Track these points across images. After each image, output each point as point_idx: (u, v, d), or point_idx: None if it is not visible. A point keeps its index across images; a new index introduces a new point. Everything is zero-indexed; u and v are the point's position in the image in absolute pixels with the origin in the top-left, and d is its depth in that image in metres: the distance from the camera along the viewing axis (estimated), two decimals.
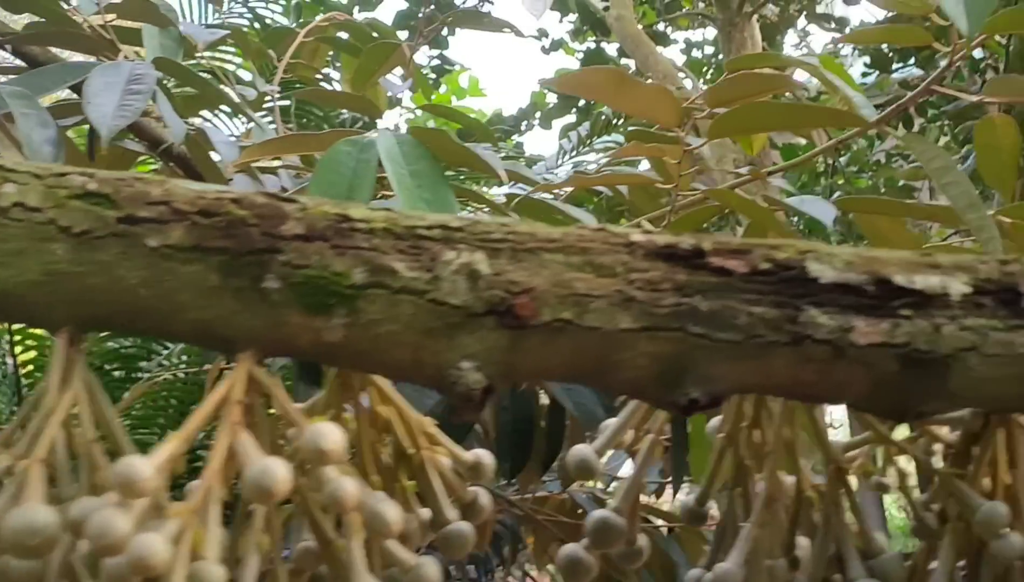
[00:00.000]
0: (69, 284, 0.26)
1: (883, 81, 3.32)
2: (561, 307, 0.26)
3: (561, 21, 3.71)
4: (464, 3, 2.88)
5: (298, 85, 1.28)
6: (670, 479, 0.85)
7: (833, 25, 3.59)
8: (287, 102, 1.46)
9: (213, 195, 0.26)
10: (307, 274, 0.26)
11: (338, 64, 1.43)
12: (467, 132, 1.24)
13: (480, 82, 4.47)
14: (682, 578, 0.50)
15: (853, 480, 0.33)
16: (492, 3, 2.86)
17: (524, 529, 1.19)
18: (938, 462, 0.32)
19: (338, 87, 1.39)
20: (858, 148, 3.33)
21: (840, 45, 3.93)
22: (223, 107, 1.37)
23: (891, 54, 3.37)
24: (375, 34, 1.17)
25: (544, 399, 0.86)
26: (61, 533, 0.23)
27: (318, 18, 1.22)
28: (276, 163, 0.87)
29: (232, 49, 1.33)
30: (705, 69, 3.77)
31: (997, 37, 2.23)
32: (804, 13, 3.50)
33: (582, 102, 3.15)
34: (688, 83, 3.11)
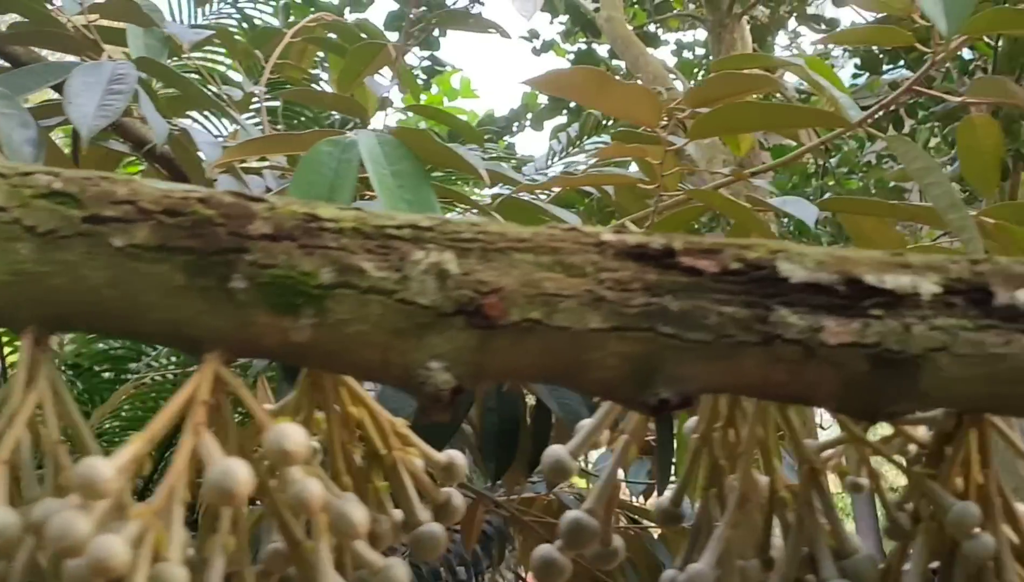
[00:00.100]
0: (34, 284, 0.26)
1: (873, 83, 3.33)
2: (530, 307, 0.26)
3: (552, 22, 3.72)
4: (455, 3, 2.88)
5: (286, 86, 1.27)
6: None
7: (823, 26, 3.60)
8: (277, 103, 1.46)
9: (179, 194, 0.26)
10: (274, 274, 0.26)
11: (327, 65, 1.43)
12: (457, 133, 1.24)
13: (472, 83, 4.47)
14: None
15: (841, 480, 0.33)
16: (483, 4, 2.86)
17: (512, 530, 1.19)
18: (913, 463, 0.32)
19: (327, 88, 1.39)
20: (848, 149, 3.34)
21: (831, 47, 3.94)
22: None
23: (881, 56, 3.38)
24: (364, 35, 1.17)
25: (531, 400, 0.86)
26: (23, 535, 0.23)
27: (306, 19, 1.22)
28: (262, 164, 0.87)
29: (222, 50, 1.33)
30: (696, 70, 3.77)
31: (985, 38, 2.24)
32: (794, 15, 3.51)
33: (573, 103, 3.15)
34: (679, 84, 3.12)
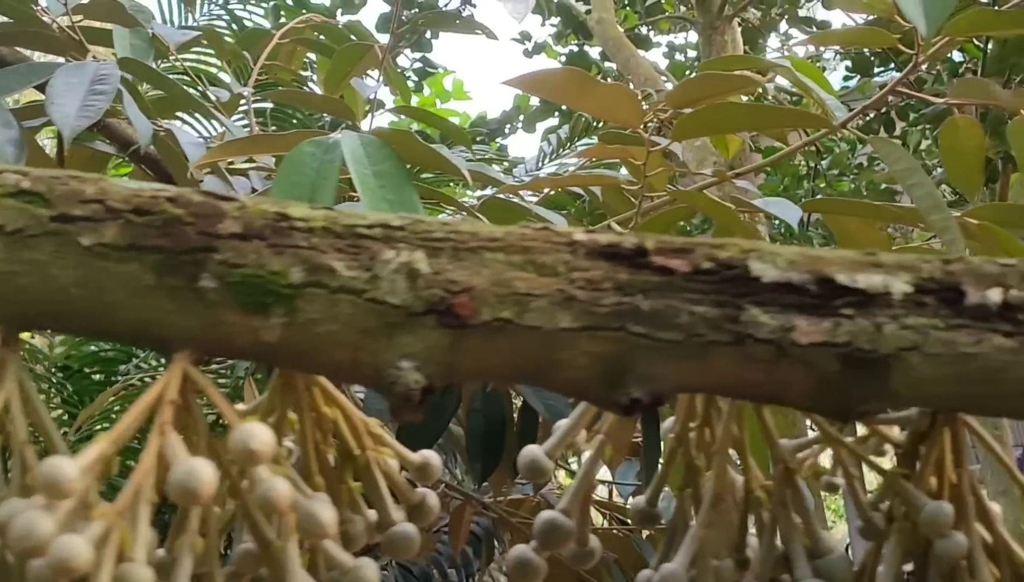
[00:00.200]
0: (2, 283, 0.25)
1: (864, 85, 3.34)
2: (501, 306, 0.26)
3: (543, 24, 3.72)
4: (447, 5, 2.88)
5: (275, 88, 1.27)
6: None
7: (814, 29, 3.61)
8: (268, 105, 1.46)
9: (149, 193, 0.26)
10: (244, 273, 0.26)
11: (317, 67, 1.43)
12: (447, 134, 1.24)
13: (464, 85, 4.47)
14: None
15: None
16: (474, 5, 2.86)
17: (501, 532, 1.19)
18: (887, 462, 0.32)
19: (317, 90, 1.39)
20: (839, 152, 3.35)
21: (822, 50, 3.95)
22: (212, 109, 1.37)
23: (872, 58, 3.39)
24: (353, 37, 1.17)
25: (518, 402, 0.86)
26: None
27: (295, 20, 1.22)
28: (249, 165, 0.87)
29: (212, 51, 1.32)
30: (688, 72, 3.78)
31: (975, 41, 2.24)
32: (785, 17, 3.52)
33: (566, 105, 3.15)
34: (670, 86, 3.12)
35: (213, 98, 1.04)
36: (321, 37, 1.17)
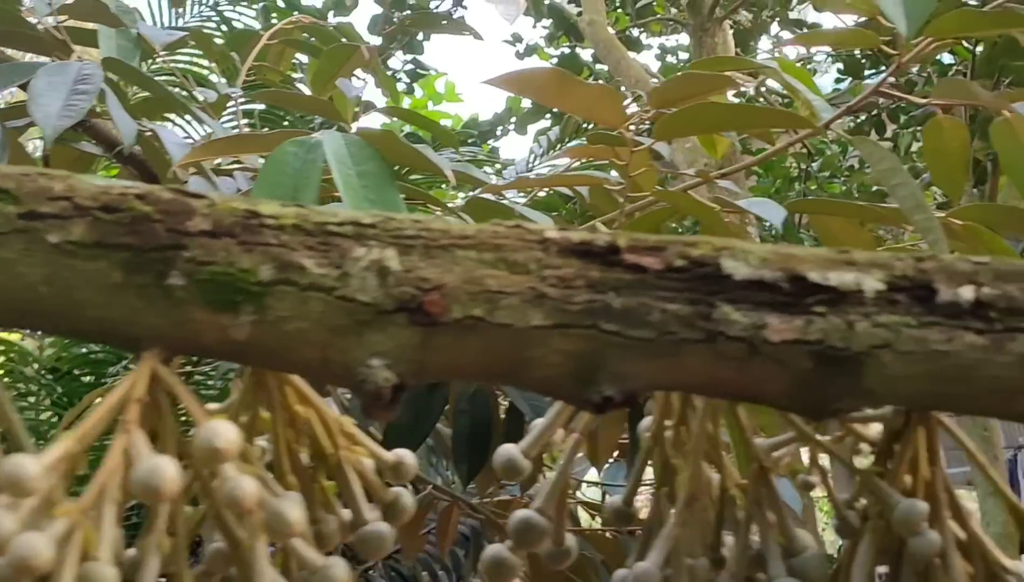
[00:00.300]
0: None
1: (856, 88, 3.35)
2: (472, 304, 0.26)
3: (535, 26, 3.72)
4: (438, 7, 2.88)
5: (264, 89, 1.27)
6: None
7: (805, 31, 3.61)
8: (260, 106, 1.45)
9: (117, 191, 0.26)
10: (213, 271, 0.25)
11: (308, 68, 1.42)
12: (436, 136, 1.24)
13: (457, 87, 4.47)
14: None
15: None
16: (465, 8, 2.86)
17: (489, 533, 1.19)
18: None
19: (307, 91, 1.38)
20: (830, 154, 3.36)
21: (814, 53, 3.96)
22: (197, 110, 1.36)
23: (863, 61, 3.40)
24: (343, 38, 1.16)
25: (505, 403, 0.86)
26: None
27: (283, 21, 1.22)
28: (235, 166, 0.87)
29: (203, 53, 1.32)
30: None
31: (965, 43, 2.25)
32: (777, 19, 3.52)
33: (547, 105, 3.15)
34: None
35: (201, 99, 1.04)
36: (311, 39, 1.17)
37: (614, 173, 0.81)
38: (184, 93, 1.10)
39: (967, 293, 0.27)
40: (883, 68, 3.27)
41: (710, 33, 2.75)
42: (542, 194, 1.18)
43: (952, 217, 0.65)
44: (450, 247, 0.27)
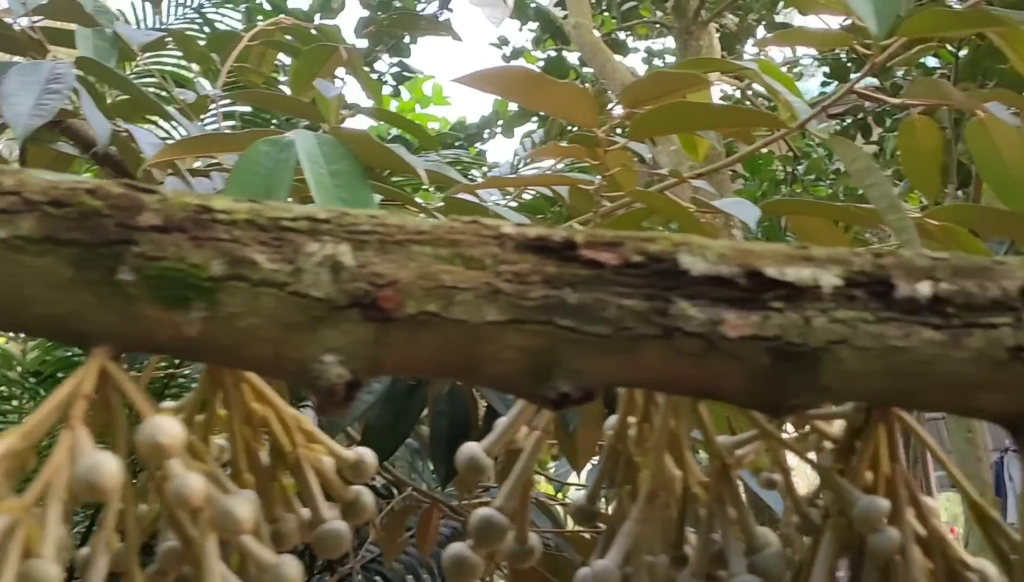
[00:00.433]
0: None
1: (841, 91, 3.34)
2: (426, 300, 0.26)
3: (521, 29, 3.72)
4: (424, 10, 2.88)
5: (245, 89, 1.26)
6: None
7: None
8: (247, 109, 1.45)
9: (67, 185, 0.26)
10: (163, 266, 0.25)
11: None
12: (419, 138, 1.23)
13: (444, 90, 4.47)
14: None
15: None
16: (451, 11, 2.86)
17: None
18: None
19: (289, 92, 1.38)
20: (817, 157, 3.36)
21: (800, 57, 3.97)
22: (173, 111, 1.36)
23: (849, 64, 3.41)
24: (326, 41, 1.16)
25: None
26: None
27: (265, 22, 1.21)
28: (212, 167, 0.86)
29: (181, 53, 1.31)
30: None
31: (948, 46, 2.26)
32: (763, 23, 3.53)
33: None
34: None
35: (182, 101, 1.04)
36: (293, 40, 1.16)
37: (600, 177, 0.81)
38: (165, 94, 1.10)
39: (924, 289, 0.27)
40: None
41: (695, 36, 2.75)
42: (528, 197, 1.18)
43: (928, 217, 0.65)
44: (406, 243, 0.27)
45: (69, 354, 1.74)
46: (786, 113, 0.69)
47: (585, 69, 3.46)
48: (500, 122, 3.64)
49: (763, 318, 0.27)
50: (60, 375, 1.76)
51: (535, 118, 3.40)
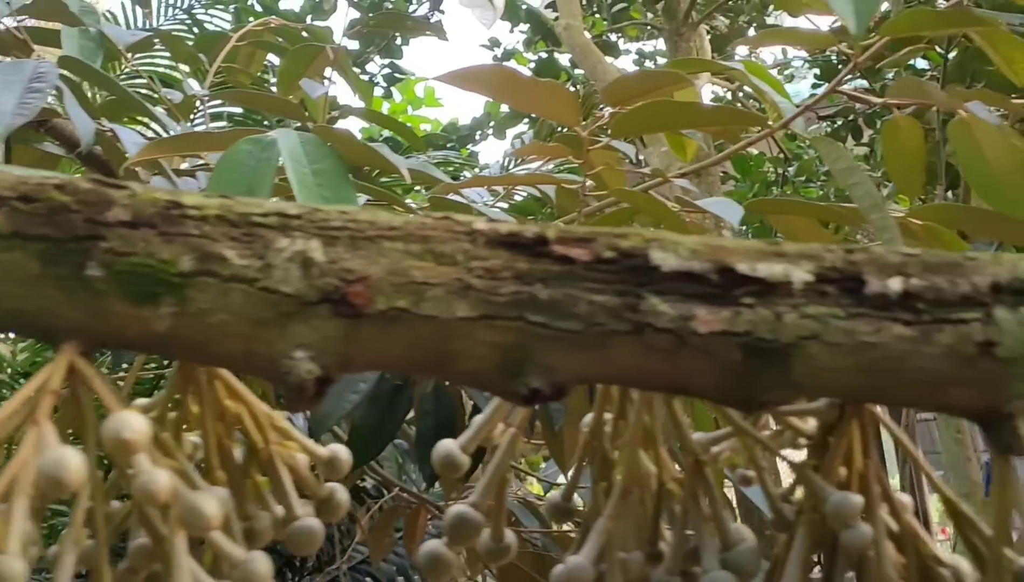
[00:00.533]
0: None
1: (835, 95, 3.35)
2: (397, 296, 0.26)
3: (512, 31, 3.72)
4: (415, 12, 2.88)
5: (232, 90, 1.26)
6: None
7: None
8: (237, 109, 1.45)
9: (36, 181, 0.25)
10: (132, 262, 0.25)
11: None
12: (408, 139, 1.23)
13: (436, 92, 4.47)
14: None
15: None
16: (443, 12, 2.86)
17: None
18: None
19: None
20: (807, 159, 3.37)
21: (791, 59, 3.97)
22: (160, 111, 1.35)
23: (839, 66, 3.41)
24: (315, 41, 1.16)
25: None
26: None
27: (253, 22, 1.21)
28: (198, 166, 0.86)
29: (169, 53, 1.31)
30: None
31: (937, 48, 2.26)
32: (754, 25, 3.54)
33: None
34: None
35: (169, 101, 1.04)
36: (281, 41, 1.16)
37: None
38: (154, 94, 1.10)
39: (895, 284, 0.27)
40: (860, 74, 3.29)
41: (685, 38, 2.75)
42: (519, 198, 1.18)
43: (912, 217, 0.66)
44: (376, 238, 0.27)
45: None
46: (774, 113, 0.69)
47: (576, 71, 3.47)
48: (492, 124, 3.64)
49: (734, 314, 0.27)
50: None
51: (527, 120, 3.41)
